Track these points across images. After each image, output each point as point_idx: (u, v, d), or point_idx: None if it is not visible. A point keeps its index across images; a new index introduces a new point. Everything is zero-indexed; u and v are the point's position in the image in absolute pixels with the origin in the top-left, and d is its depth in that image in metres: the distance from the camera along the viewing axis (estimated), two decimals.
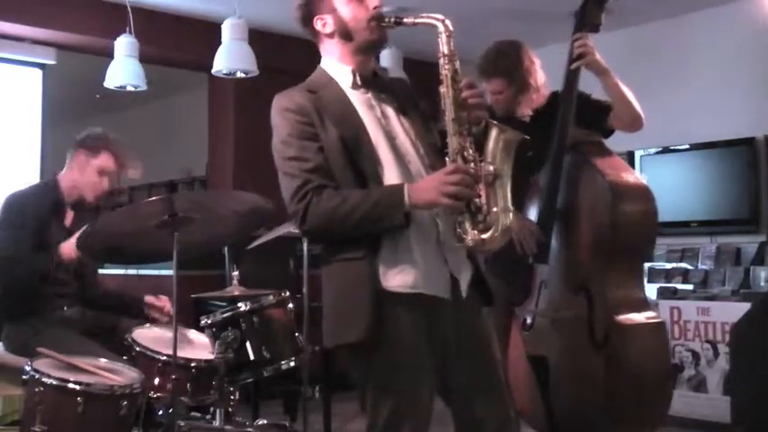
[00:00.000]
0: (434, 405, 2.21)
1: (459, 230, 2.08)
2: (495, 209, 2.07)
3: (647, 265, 5.46)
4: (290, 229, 3.59)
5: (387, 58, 6.00)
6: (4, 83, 5.92)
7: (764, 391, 3.63)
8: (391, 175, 2.18)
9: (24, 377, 2.62)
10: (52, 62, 6.00)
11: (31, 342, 3.04)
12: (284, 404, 4.96)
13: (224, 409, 3.05)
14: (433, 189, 2.05)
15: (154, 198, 2.89)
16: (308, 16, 2.32)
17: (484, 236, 2.07)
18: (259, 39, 5.39)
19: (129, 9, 5.15)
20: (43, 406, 2.57)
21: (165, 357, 3.01)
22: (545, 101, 3.23)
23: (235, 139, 6.59)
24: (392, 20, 2.21)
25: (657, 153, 5.86)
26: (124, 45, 5.08)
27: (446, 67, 2.14)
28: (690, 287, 5.30)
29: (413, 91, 2.41)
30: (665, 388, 3.06)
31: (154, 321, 3.42)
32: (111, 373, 2.79)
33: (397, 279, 2.13)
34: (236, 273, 3.34)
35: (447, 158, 2.12)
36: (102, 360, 2.91)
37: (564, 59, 3.06)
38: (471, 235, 2.07)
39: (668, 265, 5.57)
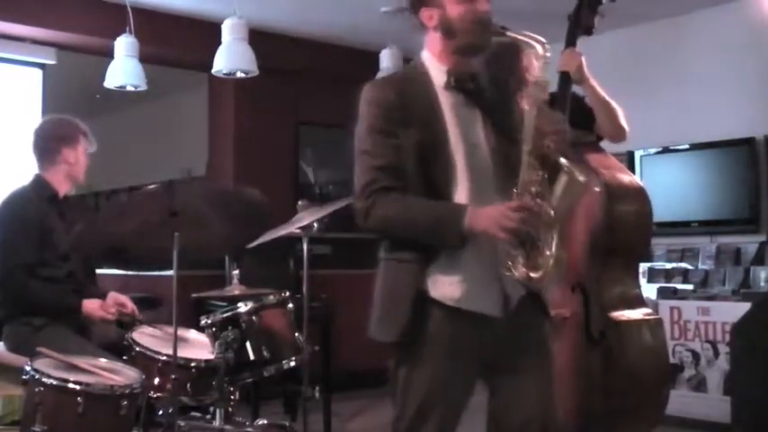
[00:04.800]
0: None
1: (509, 262, 2.08)
2: (547, 252, 2.05)
3: (647, 265, 5.47)
4: (289, 229, 3.59)
5: (387, 58, 6.01)
6: (4, 83, 5.91)
7: (764, 391, 3.63)
8: (462, 187, 2.16)
9: (24, 377, 2.62)
10: (52, 62, 6.00)
11: (30, 341, 3.04)
12: (284, 404, 4.96)
13: (224, 409, 3.05)
14: (494, 220, 2.04)
15: (154, 186, 2.90)
16: (417, 4, 2.25)
17: (533, 274, 2.07)
18: (259, 39, 5.39)
19: (129, 9, 5.15)
20: (43, 406, 2.56)
21: (165, 357, 3.02)
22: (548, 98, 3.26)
23: (235, 139, 6.59)
24: (497, 28, 2.17)
25: (657, 153, 5.86)
26: (124, 45, 5.08)
27: (535, 94, 2.11)
28: (690, 287, 5.30)
29: (514, 93, 2.33)
30: (662, 385, 3.07)
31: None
32: (111, 373, 2.79)
33: (443, 290, 2.14)
34: (236, 272, 3.34)
35: (515, 189, 2.09)
36: (102, 360, 2.91)
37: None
38: (520, 271, 2.07)
39: (668, 265, 5.57)
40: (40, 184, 3.42)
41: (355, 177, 2.19)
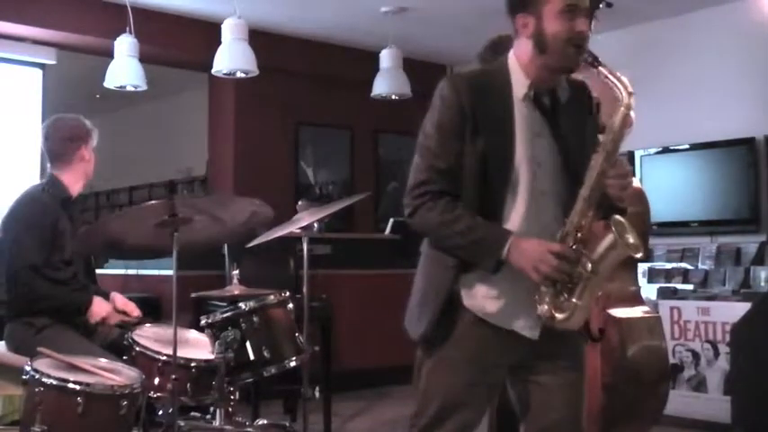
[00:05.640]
0: None
1: (537, 297, 2.05)
2: (574, 300, 2.02)
3: (647, 265, 5.47)
4: (289, 228, 3.59)
5: (387, 58, 6.01)
6: (4, 83, 5.92)
7: (764, 391, 3.63)
8: (518, 203, 2.11)
9: (24, 377, 2.62)
10: (52, 62, 6.01)
11: (32, 341, 3.04)
12: (284, 404, 4.96)
13: (224, 409, 3.05)
14: (531, 259, 2.00)
15: (155, 202, 2.89)
16: (515, 7, 2.14)
17: (557, 314, 2.04)
18: (259, 39, 5.39)
19: (129, 9, 5.15)
20: (43, 406, 2.56)
21: (165, 357, 3.01)
22: None
23: (235, 139, 6.60)
24: (589, 58, 2.09)
25: (657, 153, 5.86)
26: (124, 45, 5.09)
27: (609, 142, 2.05)
28: (690, 287, 5.30)
29: (588, 113, 2.24)
30: (661, 383, 3.07)
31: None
32: (111, 373, 2.79)
33: (477, 301, 2.12)
34: (236, 272, 3.34)
35: (561, 230, 2.05)
36: (102, 360, 2.91)
37: None
38: (544, 308, 2.04)
39: (668, 265, 5.57)
40: (55, 185, 3.40)
41: (412, 169, 2.14)
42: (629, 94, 2.04)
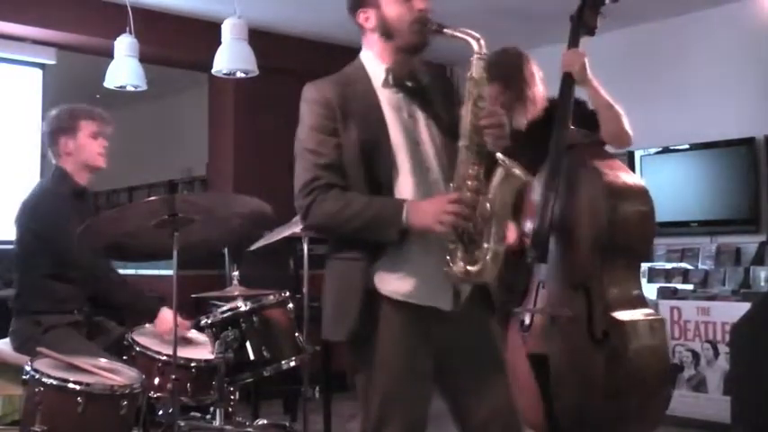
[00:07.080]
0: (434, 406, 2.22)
1: (448, 258, 2.09)
2: (485, 245, 2.07)
3: (647, 265, 5.47)
4: (291, 230, 3.60)
5: None
6: (4, 83, 5.92)
7: (765, 391, 3.63)
8: (406, 183, 2.18)
9: (24, 377, 2.62)
10: (52, 62, 6.00)
11: (37, 340, 3.04)
12: (284, 404, 4.97)
13: (224, 409, 3.06)
14: (432, 214, 2.06)
15: (154, 198, 2.89)
16: (354, 6, 2.27)
17: (471, 268, 2.08)
18: (259, 39, 5.39)
19: (129, 9, 5.14)
20: (43, 406, 2.57)
21: (165, 357, 3.02)
22: (541, 113, 3.22)
23: (235, 139, 6.59)
24: (434, 27, 2.18)
25: (657, 153, 5.86)
26: (124, 45, 5.08)
27: (471, 90, 2.12)
28: (690, 287, 5.31)
29: (452, 91, 2.35)
30: (664, 385, 3.07)
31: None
32: (111, 373, 2.79)
33: (392, 285, 2.15)
34: (236, 273, 3.35)
35: (452, 183, 2.12)
36: (102, 360, 2.91)
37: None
38: (458, 266, 2.09)
39: (668, 265, 5.57)
40: (61, 177, 3.39)
41: (296, 174, 2.24)
42: (478, 41, 2.13)
